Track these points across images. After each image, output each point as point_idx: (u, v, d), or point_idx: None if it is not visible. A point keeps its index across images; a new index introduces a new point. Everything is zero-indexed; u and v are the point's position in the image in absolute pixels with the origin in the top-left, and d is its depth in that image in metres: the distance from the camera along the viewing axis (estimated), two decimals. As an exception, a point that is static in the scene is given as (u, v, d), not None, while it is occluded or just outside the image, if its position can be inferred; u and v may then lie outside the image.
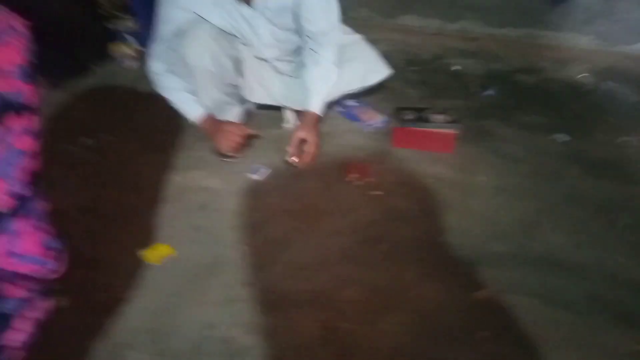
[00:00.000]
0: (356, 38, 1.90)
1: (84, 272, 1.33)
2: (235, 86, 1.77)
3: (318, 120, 1.75)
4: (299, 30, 1.72)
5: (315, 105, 1.72)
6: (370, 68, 1.88)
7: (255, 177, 1.73)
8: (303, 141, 1.71)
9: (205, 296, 1.31)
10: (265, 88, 1.85)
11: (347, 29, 1.91)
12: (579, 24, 2.45)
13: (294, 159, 1.72)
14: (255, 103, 1.93)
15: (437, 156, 1.80)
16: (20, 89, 0.70)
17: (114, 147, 1.90)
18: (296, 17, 1.65)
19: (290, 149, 1.72)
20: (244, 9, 1.62)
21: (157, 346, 1.19)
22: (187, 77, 1.67)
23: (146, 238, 1.49)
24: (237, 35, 1.70)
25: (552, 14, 2.47)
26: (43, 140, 0.80)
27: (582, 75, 2.28)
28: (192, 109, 1.71)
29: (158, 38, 1.66)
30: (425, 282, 1.34)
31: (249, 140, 1.79)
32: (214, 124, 1.74)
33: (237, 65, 1.74)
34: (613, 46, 2.42)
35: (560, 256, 1.40)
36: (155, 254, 1.43)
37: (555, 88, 2.20)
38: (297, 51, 1.81)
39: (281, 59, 1.84)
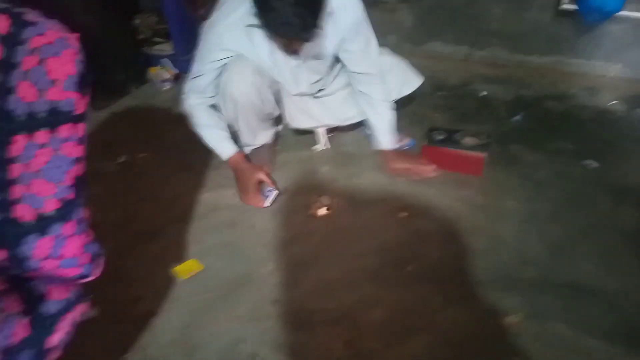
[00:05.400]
0: (384, 54, 1.91)
1: (115, 285, 1.37)
2: (272, 112, 1.80)
3: (395, 151, 1.86)
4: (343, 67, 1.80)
5: (388, 144, 1.84)
6: (404, 78, 1.93)
7: (265, 203, 1.72)
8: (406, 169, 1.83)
9: (233, 312, 1.33)
10: (305, 113, 1.89)
11: None
12: (609, 53, 2.44)
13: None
14: (291, 127, 1.97)
15: (465, 179, 1.80)
16: (71, 98, 0.75)
17: (147, 165, 1.97)
18: (336, 59, 1.73)
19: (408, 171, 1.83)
20: (291, 60, 1.65)
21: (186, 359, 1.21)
22: (223, 109, 1.69)
23: (177, 254, 1.53)
24: (276, 78, 1.72)
25: (581, 42, 2.47)
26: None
27: (611, 103, 2.26)
28: (223, 148, 1.73)
29: (195, 74, 1.66)
30: (451, 306, 1.33)
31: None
32: (240, 171, 1.74)
33: (277, 96, 1.78)
34: (643, 74, 2.41)
35: (591, 283, 1.38)
36: (185, 269, 1.47)
37: (584, 115, 2.18)
38: (328, 78, 1.86)
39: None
